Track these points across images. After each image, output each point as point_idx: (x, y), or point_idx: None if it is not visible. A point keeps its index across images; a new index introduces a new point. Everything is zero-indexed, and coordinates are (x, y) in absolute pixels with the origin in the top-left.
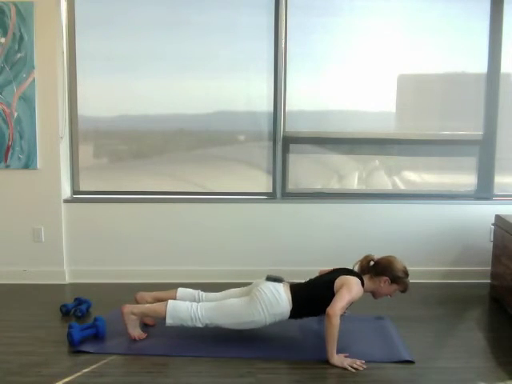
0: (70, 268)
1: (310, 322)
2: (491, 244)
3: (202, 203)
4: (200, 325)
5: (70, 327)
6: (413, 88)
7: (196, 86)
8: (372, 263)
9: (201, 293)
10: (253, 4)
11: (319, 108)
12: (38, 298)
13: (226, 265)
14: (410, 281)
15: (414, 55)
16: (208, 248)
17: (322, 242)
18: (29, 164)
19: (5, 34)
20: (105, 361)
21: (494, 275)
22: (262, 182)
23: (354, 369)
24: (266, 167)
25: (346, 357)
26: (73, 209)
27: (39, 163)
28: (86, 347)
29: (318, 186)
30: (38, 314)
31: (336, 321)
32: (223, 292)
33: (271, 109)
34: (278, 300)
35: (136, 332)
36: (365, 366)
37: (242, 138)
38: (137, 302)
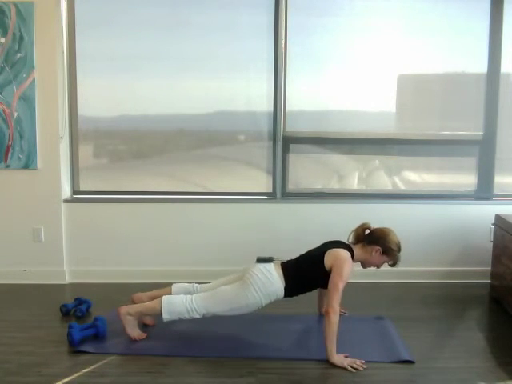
0: (69, 268)
1: (309, 321)
2: (491, 244)
3: (202, 203)
4: (198, 315)
5: (70, 327)
6: (413, 88)
7: (196, 86)
8: (367, 232)
9: (195, 285)
10: (253, 4)
11: (319, 108)
12: (37, 298)
13: (226, 265)
14: (410, 281)
15: (413, 55)
16: (208, 248)
17: (322, 241)
18: (29, 164)
19: (5, 34)
20: (105, 361)
21: (493, 275)
22: (262, 182)
23: (354, 369)
24: (266, 167)
25: (346, 357)
26: (73, 209)
27: (39, 163)
28: (85, 347)
29: (318, 185)
30: (38, 314)
31: (335, 318)
32: (216, 280)
33: (271, 109)
34: (269, 279)
35: (135, 332)
36: (365, 366)
37: (242, 137)
38: (134, 303)
